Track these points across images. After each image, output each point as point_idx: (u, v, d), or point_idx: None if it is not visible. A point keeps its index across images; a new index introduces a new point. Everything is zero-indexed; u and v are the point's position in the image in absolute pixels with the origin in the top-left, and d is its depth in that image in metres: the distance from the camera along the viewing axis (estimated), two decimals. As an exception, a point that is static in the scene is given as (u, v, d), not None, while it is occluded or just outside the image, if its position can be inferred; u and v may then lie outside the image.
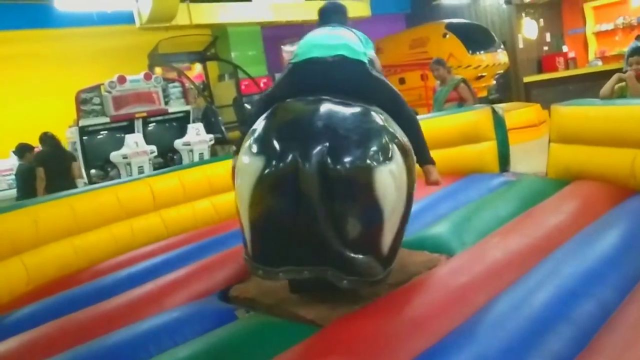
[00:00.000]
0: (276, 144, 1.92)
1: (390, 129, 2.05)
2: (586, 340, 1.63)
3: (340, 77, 2.22)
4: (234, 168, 2.22)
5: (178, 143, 7.35)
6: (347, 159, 1.85)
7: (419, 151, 2.32)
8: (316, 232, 1.85)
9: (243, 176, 1.99)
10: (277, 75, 2.61)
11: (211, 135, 7.49)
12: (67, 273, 3.28)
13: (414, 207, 3.22)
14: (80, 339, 2.13)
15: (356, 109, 2.04)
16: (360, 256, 1.89)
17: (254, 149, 1.97)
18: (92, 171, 7.11)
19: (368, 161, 1.86)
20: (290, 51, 10.77)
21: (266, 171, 1.88)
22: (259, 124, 2.09)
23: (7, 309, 2.79)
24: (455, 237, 2.65)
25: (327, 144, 1.86)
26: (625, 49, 9.00)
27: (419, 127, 2.43)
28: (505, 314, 1.76)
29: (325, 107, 2.02)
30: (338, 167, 1.84)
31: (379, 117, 2.06)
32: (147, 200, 3.89)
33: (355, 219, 1.87)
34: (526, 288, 1.92)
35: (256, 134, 2.04)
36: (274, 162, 1.88)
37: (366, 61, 2.32)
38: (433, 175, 2.49)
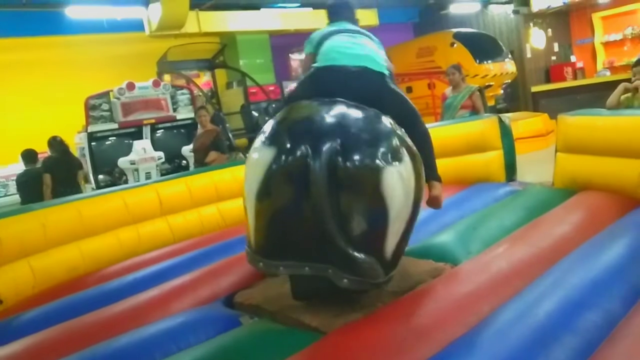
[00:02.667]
0: (287, 138, 1.94)
1: (400, 133, 2.08)
2: (590, 351, 1.62)
3: (360, 86, 2.24)
4: None
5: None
6: (356, 157, 1.87)
7: (427, 167, 2.32)
8: (321, 227, 1.84)
9: (253, 168, 2.01)
10: (285, 83, 2.67)
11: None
12: (73, 277, 3.30)
13: (420, 216, 3.25)
14: (85, 343, 2.14)
15: (369, 112, 2.08)
16: (363, 256, 1.88)
17: (265, 142, 2.00)
18: (100, 177, 7.16)
19: (377, 160, 1.88)
20: (299, 59, 10.82)
21: (276, 163, 1.91)
22: (270, 122, 2.13)
23: (13, 311, 2.82)
24: (461, 246, 2.64)
25: (338, 140, 1.89)
26: (634, 60, 8.98)
27: (431, 145, 2.45)
28: (510, 323, 1.75)
29: (339, 108, 2.05)
30: (347, 164, 1.86)
31: (389, 121, 2.09)
32: (154, 205, 3.92)
33: (360, 216, 1.88)
34: (531, 298, 1.91)
35: (268, 130, 2.07)
36: (284, 154, 1.90)
37: (387, 74, 2.36)
38: (436, 190, 2.48)
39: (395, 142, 1.99)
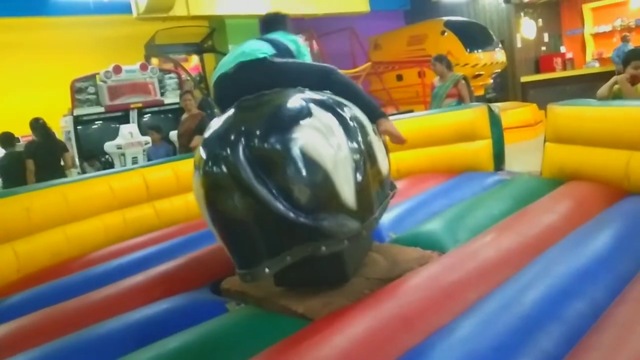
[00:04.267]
0: (202, 155, 1.95)
1: (304, 94, 2.12)
2: (576, 339, 1.62)
3: (248, 82, 2.24)
4: None
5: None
6: (264, 142, 1.88)
7: (364, 109, 2.36)
8: (272, 213, 1.84)
9: (196, 194, 2.02)
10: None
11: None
12: (58, 262, 3.27)
13: (408, 204, 3.27)
14: (69, 328, 2.12)
15: (266, 96, 2.10)
16: (325, 222, 1.89)
17: (195, 166, 2.02)
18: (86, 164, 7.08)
19: (284, 130, 1.90)
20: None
21: (203, 182, 1.91)
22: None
23: (-4, 296, 2.78)
24: (449, 234, 2.65)
25: (242, 136, 1.89)
26: (612, 53, 9.02)
27: (356, 88, 2.46)
28: (496, 311, 1.75)
29: (237, 111, 2.07)
30: (259, 151, 1.87)
31: (288, 91, 2.13)
32: (141, 191, 3.88)
33: (298, 184, 1.87)
34: (518, 286, 1.91)
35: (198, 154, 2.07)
36: (204, 170, 1.90)
37: (267, 55, 2.33)
38: (383, 125, 2.47)
39: (297, 102, 2.02)
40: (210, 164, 1.89)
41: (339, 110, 2.12)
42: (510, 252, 2.26)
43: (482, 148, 4.05)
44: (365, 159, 2.10)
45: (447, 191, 3.53)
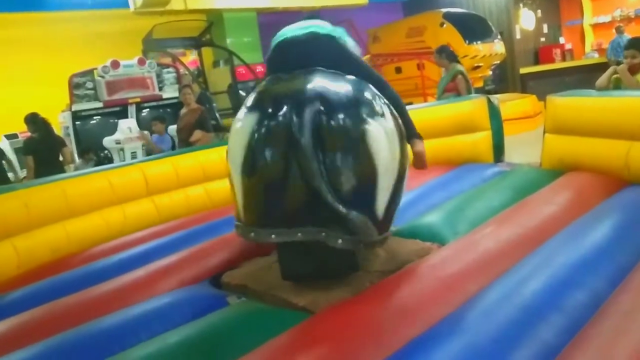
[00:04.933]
0: (269, 103, 1.95)
1: (379, 94, 2.13)
2: (577, 329, 1.63)
3: (315, 52, 2.24)
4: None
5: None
6: (339, 115, 1.89)
7: (406, 127, 2.34)
8: (310, 188, 1.83)
9: (236, 137, 1.99)
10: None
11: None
12: (58, 257, 3.26)
13: (408, 196, 3.24)
14: (69, 324, 2.12)
15: (347, 77, 2.12)
16: (355, 213, 1.87)
17: (247, 110, 1.99)
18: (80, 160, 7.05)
19: (360, 115, 1.91)
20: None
21: (259, 128, 1.90)
22: (252, 94, 2.13)
23: (-4, 292, 2.78)
24: (448, 226, 2.64)
25: (319, 102, 1.89)
26: (608, 45, 8.97)
27: (404, 106, 2.46)
28: (496, 302, 1.76)
29: (317, 74, 2.07)
30: (331, 122, 1.87)
31: (367, 84, 2.14)
32: (140, 185, 3.87)
33: (348, 172, 1.87)
34: (518, 277, 1.92)
35: (249, 100, 2.07)
36: (266, 119, 1.90)
37: (336, 37, 2.34)
38: (417, 146, 2.48)
39: (377, 99, 2.04)
40: (275, 115, 1.88)
41: (399, 122, 2.15)
42: (510, 243, 2.26)
43: (482, 140, 4.05)
44: (402, 178, 2.11)
45: (446, 183, 3.53)
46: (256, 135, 1.90)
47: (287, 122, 1.86)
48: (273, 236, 1.94)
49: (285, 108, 1.88)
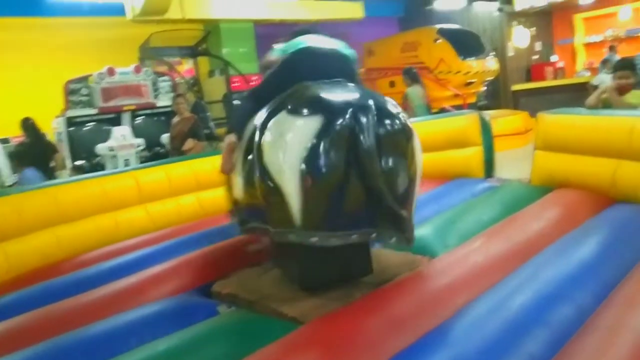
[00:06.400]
0: (328, 107, 1.95)
1: None
2: (562, 343, 1.66)
3: (334, 68, 2.32)
4: (230, 145, 2.38)
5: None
6: (390, 122, 1.98)
7: None
8: (371, 188, 1.91)
9: (292, 139, 1.93)
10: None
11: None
12: (49, 263, 3.25)
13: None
14: (60, 330, 2.12)
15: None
16: (405, 211, 1.96)
17: (303, 112, 1.95)
18: (76, 163, 7.03)
19: (406, 122, 2.04)
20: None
21: (323, 131, 1.90)
22: (284, 102, 2.08)
23: (-15, 297, 2.76)
24: (439, 239, 2.67)
25: (374, 108, 1.96)
26: (599, 64, 9.13)
27: None
28: (484, 316, 1.78)
29: (349, 84, 2.20)
30: (386, 125, 1.95)
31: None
32: (133, 193, 3.87)
33: (403, 172, 1.98)
34: (505, 291, 1.94)
35: (294, 106, 2.01)
36: (330, 123, 1.90)
37: (352, 58, 2.47)
38: None
39: (402, 111, 2.15)
40: (341, 115, 1.91)
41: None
42: (498, 257, 2.29)
43: (473, 155, 4.10)
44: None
45: (437, 197, 3.56)
46: (321, 140, 1.89)
47: (351, 127, 1.89)
48: (333, 239, 1.96)
49: (348, 113, 1.91)
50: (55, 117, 7.46)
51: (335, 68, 2.32)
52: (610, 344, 1.59)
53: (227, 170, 2.47)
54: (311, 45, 2.37)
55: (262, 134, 2.07)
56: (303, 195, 1.92)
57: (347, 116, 1.90)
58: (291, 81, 2.20)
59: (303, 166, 1.88)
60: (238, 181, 2.36)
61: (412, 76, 6.12)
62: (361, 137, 1.87)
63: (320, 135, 1.88)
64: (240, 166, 2.34)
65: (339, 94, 2.04)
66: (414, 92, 6.20)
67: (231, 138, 2.43)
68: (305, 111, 1.95)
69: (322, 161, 1.88)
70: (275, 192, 1.97)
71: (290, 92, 2.14)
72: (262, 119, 2.13)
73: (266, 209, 2.09)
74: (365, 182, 1.89)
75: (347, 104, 1.95)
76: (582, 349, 1.61)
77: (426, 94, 6.46)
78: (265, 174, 2.00)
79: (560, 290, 1.91)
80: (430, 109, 6.55)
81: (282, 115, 2.02)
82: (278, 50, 2.57)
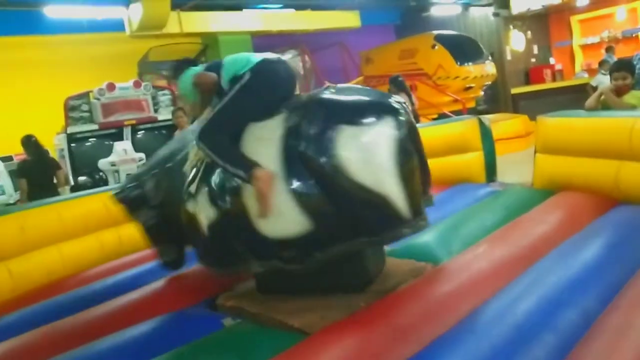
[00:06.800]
0: (385, 104, 2.16)
1: None
2: (569, 348, 1.65)
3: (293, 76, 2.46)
4: (270, 179, 2.03)
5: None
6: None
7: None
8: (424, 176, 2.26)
9: (379, 146, 2.02)
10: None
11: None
12: (53, 280, 3.25)
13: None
14: (66, 347, 2.12)
15: None
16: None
17: (371, 118, 2.07)
18: (79, 179, 7.05)
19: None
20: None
21: (398, 126, 2.09)
22: (314, 119, 2.08)
23: (-9, 316, 2.77)
24: (442, 246, 2.67)
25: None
26: (598, 65, 9.15)
27: None
28: (490, 322, 1.78)
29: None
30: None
31: None
32: (135, 207, 3.87)
33: (424, 164, 2.29)
34: (511, 297, 1.94)
35: (352, 116, 2.08)
36: (397, 116, 2.11)
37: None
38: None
39: None
40: (403, 113, 2.14)
41: None
42: (503, 263, 2.29)
43: (474, 160, 4.10)
44: None
45: (440, 203, 3.53)
46: (401, 135, 2.08)
47: (410, 122, 2.17)
48: (423, 223, 2.21)
49: (402, 112, 2.15)
50: (57, 134, 7.49)
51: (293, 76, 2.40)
52: (617, 347, 1.59)
53: (270, 212, 2.05)
54: (267, 57, 2.30)
55: (326, 156, 2.00)
56: (403, 187, 2.05)
57: (402, 115, 2.12)
58: (266, 94, 2.20)
59: (398, 164, 2.03)
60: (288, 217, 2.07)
61: (397, 85, 6.07)
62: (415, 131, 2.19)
63: (399, 132, 2.06)
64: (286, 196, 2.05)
65: (365, 95, 2.22)
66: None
67: (264, 172, 2.03)
68: (372, 118, 2.07)
69: (405, 153, 2.07)
70: (373, 200, 2.02)
71: (310, 108, 2.14)
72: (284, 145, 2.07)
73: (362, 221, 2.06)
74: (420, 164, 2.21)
75: (392, 107, 2.14)
76: (589, 353, 1.60)
77: (414, 102, 6.40)
78: (357, 189, 2.00)
79: (566, 294, 1.90)
80: (418, 118, 6.47)
81: (349, 131, 2.03)
82: (225, 77, 2.32)
